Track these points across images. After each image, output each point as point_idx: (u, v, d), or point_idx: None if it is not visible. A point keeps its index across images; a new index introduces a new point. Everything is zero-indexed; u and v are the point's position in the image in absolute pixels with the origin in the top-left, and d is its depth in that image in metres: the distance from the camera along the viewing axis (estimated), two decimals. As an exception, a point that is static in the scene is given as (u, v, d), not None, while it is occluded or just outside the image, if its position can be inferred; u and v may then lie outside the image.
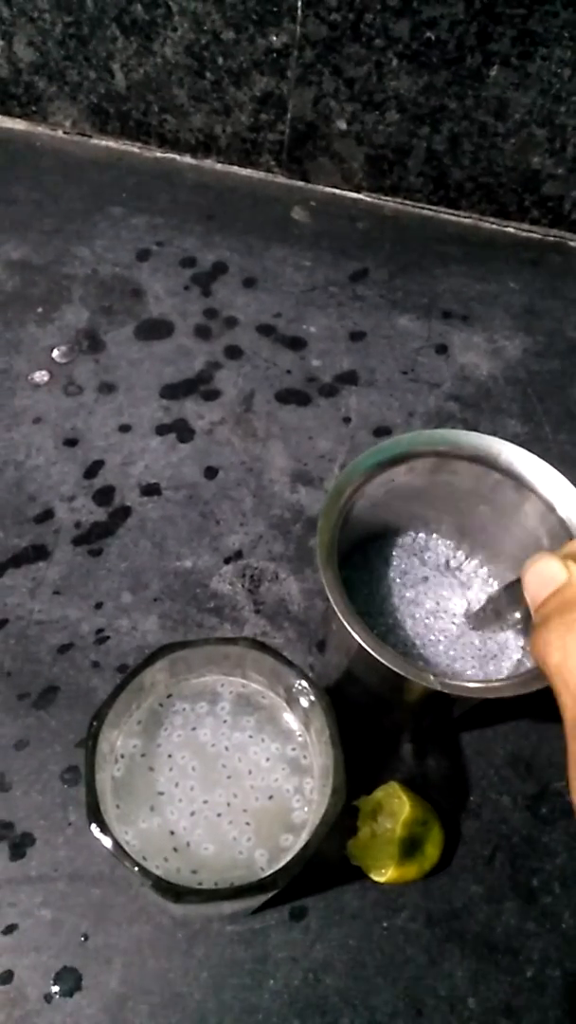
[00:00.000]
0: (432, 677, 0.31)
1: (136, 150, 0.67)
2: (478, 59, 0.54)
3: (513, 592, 0.33)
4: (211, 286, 0.58)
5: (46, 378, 0.53)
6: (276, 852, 0.29)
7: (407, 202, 0.65)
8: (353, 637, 0.32)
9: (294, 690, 0.30)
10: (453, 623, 0.40)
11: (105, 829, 0.26)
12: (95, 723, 0.28)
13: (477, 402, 0.54)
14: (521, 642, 0.39)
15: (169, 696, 0.32)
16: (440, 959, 0.36)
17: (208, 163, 0.66)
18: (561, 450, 0.52)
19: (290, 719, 0.32)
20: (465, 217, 0.65)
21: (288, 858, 0.27)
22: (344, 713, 0.30)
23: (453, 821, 0.39)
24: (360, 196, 0.65)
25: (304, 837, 0.29)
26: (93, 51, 0.61)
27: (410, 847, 0.36)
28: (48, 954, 0.35)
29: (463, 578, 0.42)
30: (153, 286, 0.58)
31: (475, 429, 0.48)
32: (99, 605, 0.44)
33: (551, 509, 0.36)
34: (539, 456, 0.37)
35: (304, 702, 0.30)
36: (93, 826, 0.26)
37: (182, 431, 0.51)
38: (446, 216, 0.65)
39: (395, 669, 0.31)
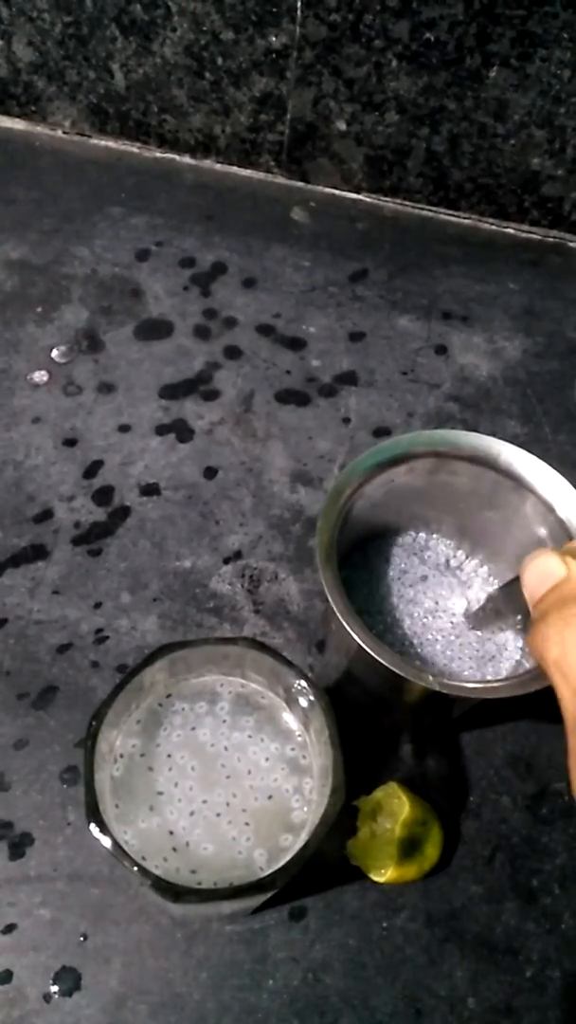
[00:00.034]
0: (431, 677, 0.31)
1: (135, 150, 0.67)
2: (477, 60, 0.54)
3: (512, 591, 0.33)
4: (210, 286, 0.58)
5: (45, 378, 0.53)
6: (275, 852, 0.29)
7: (407, 203, 0.65)
8: (352, 637, 0.32)
9: (293, 690, 0.30)
10: (451, 623, 0.40)
11: (104, 829, 0.26)
12: (94, 723, 0.28)
13: (477, 403, 0.54)
14: (520, 643, 0.40)
15: (168, 696, 0.32)
16: (440, 959, 0.36)
17: (207, 163, 0.67)
18: (560, 451, 0.52)
19: (289, 719, 0.32)
20: (465, 218, 0.65)
21: (287, 858, 0.27)
22: (343, 713, 0.30)
23: (453, 821, 0.39)
24: (360, 197, 0.65)
25: (303, 837, 0.29)
26: (92, 51, 0.61)
27: (409, 847, 0.36)
28: (47, 954, 0.35)
29: (463, 577, 0.42)
30: (152, 286, 0.58)
31: (475, 430, 0.48)
32: (98, 605, 0.44)
33: (550, 509, 0.36)
34: (538, 457, 0.37)
35: (303, 702, 0.30)
36: (92, 826, 0.26)
37: (181, 431, 0.51)
38: (446, 217, 0.65)
39: (394, 669, 0.31)
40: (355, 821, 0.37)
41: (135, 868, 0.26)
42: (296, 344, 0.56)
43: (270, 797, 0.30)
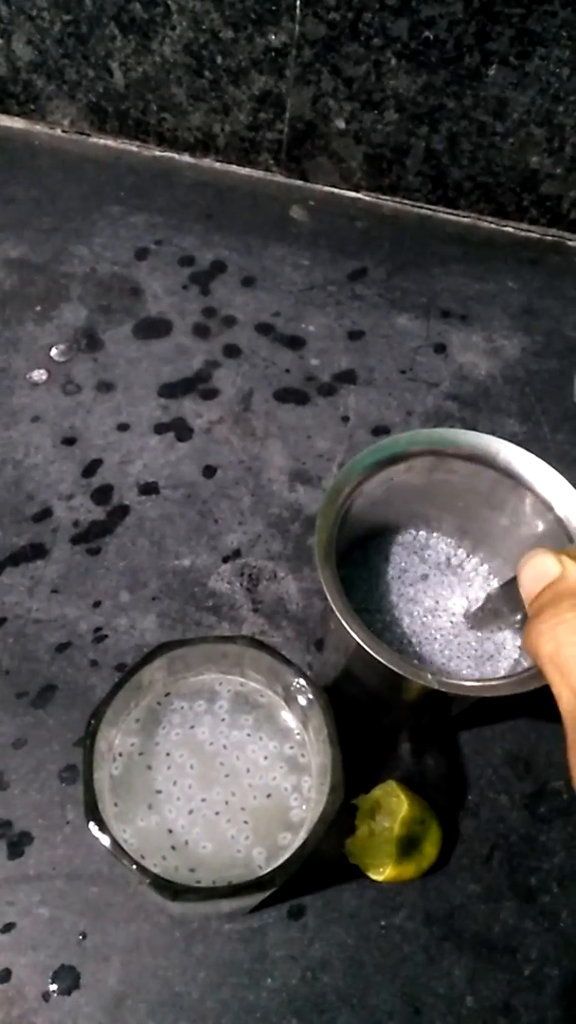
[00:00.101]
0: (430, 676, 0.31)
1: (135, 149, 0.67)
2: (477, 58, 0.54)
3: (510, 590, 0.33)
4: (210, 285, 0.58)
5: (44, 377, 0.53)
6: (274, 850, 0.29)
7: (406, 201, 0.65)
8: (351, 636, 0.32)
9: (292, 688, 0.30)
10: (451, 622, 0.40)
11: (103, 827, 0.26)
12: (93, 721, 0.28)
13: (475, 401, 0.54)
14: (519, 642, 0.40)
15: (167, 694, 0.32)
16: (438, 958, 0.36)
17: (207, 162, 0.66)
18: (559, 449, 0.52)
19: (288, 717, 0.32)
20: (464, 216, 0.65)
21: (286, 856, 0.27)
22: (342, 711, 0.30)
23: (451, 820, 0.39)
24: (359, 195, 0.65)
25: (302, 835, 0.29)
26: (92, 50, 0.61)
27: (408, 846, 0.36)
28: (46, 952, 0.35)
29: (464, 576, 0.42)
30: (152, 285, 0.58)
31: (473, 428, 0.48)
32: (97, 604, 0.44)
33: (549, 508, 0.36)
34: (537, 455, 0.37)
35: (302, 700, 0.30)
36: (91, 824, 0.26)
37: (180, 430, 0.51)
38: (445, 215, 0.65)
39: (393, 667, 0.31)
40: (354, 820, 0.37)
41: (134, 866, 0.26)
42: (295, 343, 0.56)
43: (269, 795, 0.31)
